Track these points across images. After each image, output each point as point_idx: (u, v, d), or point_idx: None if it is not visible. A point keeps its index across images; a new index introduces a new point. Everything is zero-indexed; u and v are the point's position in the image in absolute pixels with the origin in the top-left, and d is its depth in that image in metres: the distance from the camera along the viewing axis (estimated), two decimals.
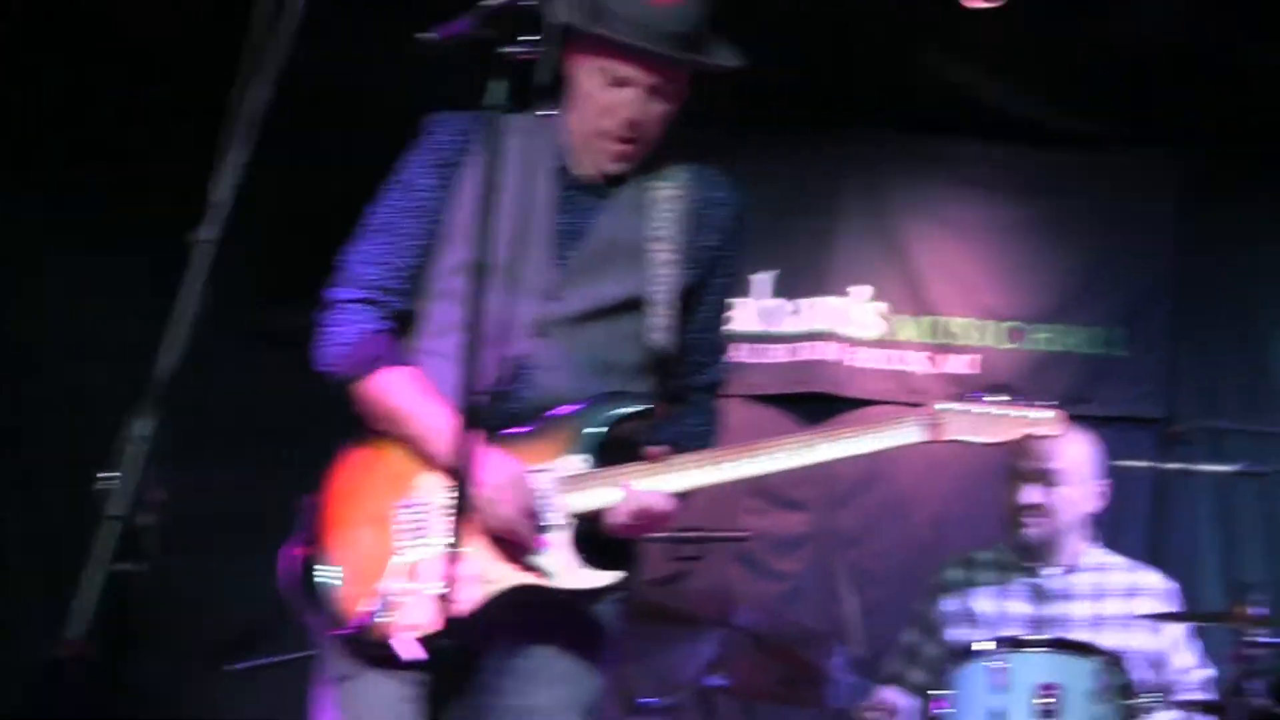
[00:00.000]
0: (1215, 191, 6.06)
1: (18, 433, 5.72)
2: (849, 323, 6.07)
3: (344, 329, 3.00)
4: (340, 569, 2.88)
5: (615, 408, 2.94)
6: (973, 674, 4.24)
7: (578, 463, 2.91)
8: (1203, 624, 4.74)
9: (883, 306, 6.09)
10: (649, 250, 3.02)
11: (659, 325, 3.01)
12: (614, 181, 3.06)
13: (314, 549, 2.91)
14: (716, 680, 4.48)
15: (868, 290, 6.10)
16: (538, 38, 2.44)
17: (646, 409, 2.97)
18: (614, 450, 2.93)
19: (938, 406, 3.03)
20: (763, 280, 6.13)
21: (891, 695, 4.78)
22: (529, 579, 2.85)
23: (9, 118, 5.76)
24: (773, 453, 3.02)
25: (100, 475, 1.92)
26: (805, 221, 6.18)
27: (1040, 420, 3.05)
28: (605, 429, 2.93)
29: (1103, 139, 6.08)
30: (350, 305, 3.02)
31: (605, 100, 2.94)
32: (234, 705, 5.42)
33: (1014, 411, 3.04)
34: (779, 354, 6.07)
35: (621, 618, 3.06)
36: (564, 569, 2.86)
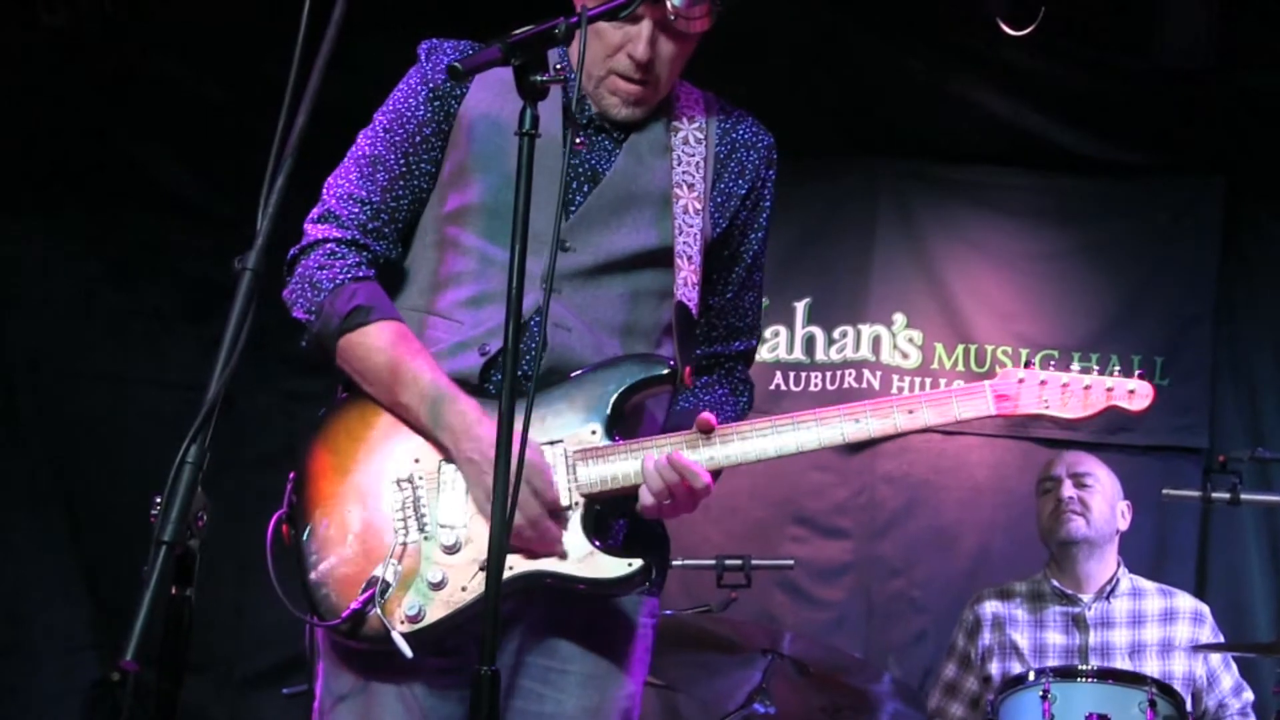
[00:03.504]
0: (1257, 220, 6.04)
1: (64, 460, 5.76)
2: (886, 351, 6.06)
3: (323, 272, 2.66)
4: (330, 552, 2.57)
5: (632, 372, 2.62)
6: (1021, 705, 4.22)
7: (589, 434, 2.60)
8: (1250, 655, 4.73)
9: (920, 335, 6.07)
10: (671, 198, 2.72)
11: (684, 281, 2.70)
12: (631, 125, 2.74)
13: (300, 529, 2.59)
14: (762, 707, 4.45)
15: (905, 318, 6.09)
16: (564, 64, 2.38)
17: (668, 374, 2.63)
18: (630, 420, 2.64)
19: (1015, 373, 2.68)
20: (800, 308, 6.13)
21: None
22: (538, 566, 2.53)
23: (48, 152, 5.82)
24: (827, 423, 2.61)
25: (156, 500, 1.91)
26: (842, 250, 6.17)
27: (1128, 390, 2.69)
28: (620, 396, 2.60)
29: (1143, 167, 6.06)
30: (330, 246, 2.68)
31: (613, 38, 2.65)
32: None
33: (1098, 383, 2.68)
34: (817, 381, 6.06)
35: (652, 615, 2.76)
36: (577, 556, 2.54)
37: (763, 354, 6.11)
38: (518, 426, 2.23)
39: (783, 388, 6.07)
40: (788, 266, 6.16)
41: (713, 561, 4.87)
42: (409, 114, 2.75)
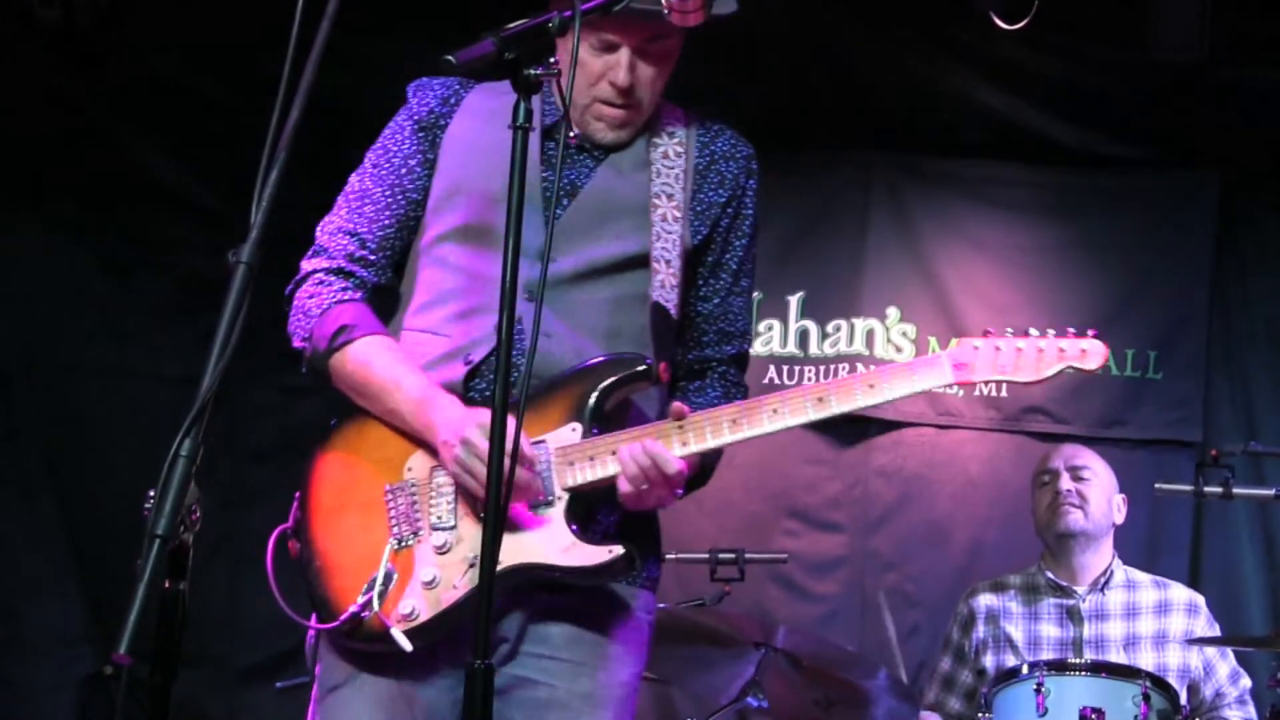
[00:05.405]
0: (1251, 214, 6.05)
1: (58, 454, 5.76)
2: (880, 344, 6.06)
3: (312, 300, 2.82)
4: (331, 559, 2.70)
5: (610, 372, 2.72)
6: (1015, 698, 4.22)
7: (569, 432, 2.69)
8: (1245, 648, 4.74)
9: (913, 328, 6.08)
10: (650, 207, 2.84)
11: (664, 283, 2.81)
12: (617, 145, 2.87)
13: (301, 540, 2.73)
14: (755, 701, 4.46)
15: (898, 312, 6.09)
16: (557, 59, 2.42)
17: (644, 370, 2.72)
18: (613, 417, 2.73)
19: (971, 342, 2.75)
20: (793, 302, 6.13)
21: None
22: (523, 559, 2.62)
23: (41, 146, 5.82)
24: (793, 406, 2.68)
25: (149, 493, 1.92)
26: (835, 244, 6.18)
27: (1080, 350, 2.73)
28: (599, 396, 2.70)
29: (1138, 162, 6.07)
30: (318, 276, 2.84)
31: (595, 67, 2.80)
32: None
33: (1051, 344, 2.73)
34: (811, 375, 6.06)
35: (648, 610, 2.85)
36: (561, 547, 2.64)
37: (756, 348, 6.11)
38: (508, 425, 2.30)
39: (776, 381, 6.07)
40: (781, 260, 6.17)
41: (706, 555, 4.89)
42: (395, 148, 2.91)
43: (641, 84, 2.82)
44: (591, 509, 2.73)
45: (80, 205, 5.92)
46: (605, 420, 2.72)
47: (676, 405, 2.70)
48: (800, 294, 6.14)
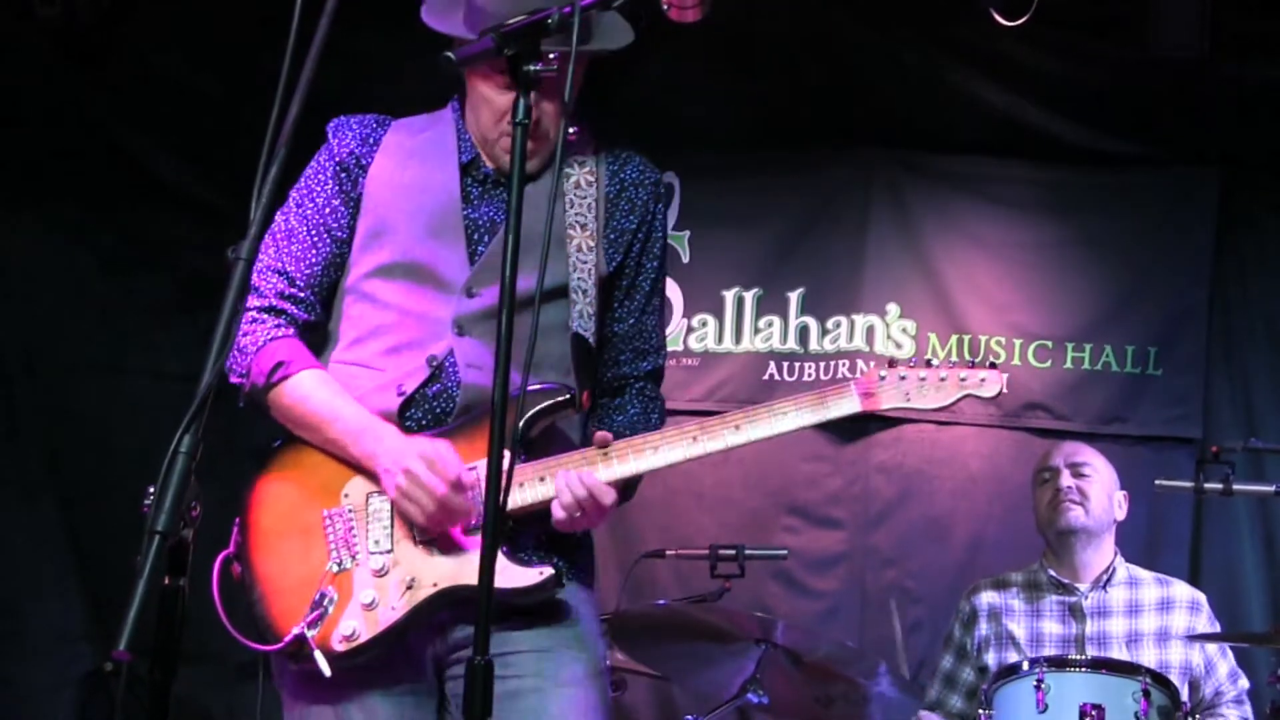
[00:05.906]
0: (1251, 213, 6.04)
1: (58, 451, 5.75)
2: (880, 341, 6.06)
3: (247, 337, 2.91)
4: (272, 584, 2.81)
5: (535, 401, 2.84)
6: (1014, 695, 4.22)
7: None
8: (1245, 645, 4.74)
9: (913, 325, 6.08)
10: (566, 238, 2.97)
11: (582, 313, 2.94)
12: (526, 178, 2.92)
13: (243, 564, 2.84)
14: (755, 697, 4.46)
15: (898, 308, 6.09)
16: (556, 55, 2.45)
17: (568, 399, 2.86)
18: (540, 444, 2.87)
19: (879, 371, 2.98)
20: (794, 299, 6.13)
21: None
22: (458, 581, 2.77)
23: (41, 143, 5.82)
24: (711, 433, 2.89)
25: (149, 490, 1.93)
26: (836, 240, 6.18)
27: (979, 379, 2.99)
28: (526, 424, 2.82)
29: (1138, 159, 6.06)
30: (251, 314, 2.93)
31: (501, 103, 2.90)
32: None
33: (951, 374, 2.98)
34: (811, 371, 6.07)
35: (592, 603, 2.98)
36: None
37: (756, 344, 6.12)
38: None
39: (776, 378, 6.08)
40: (782, 257, 6.17)
41: (706, 551, 4.90)
42: (318, 189, 3.01)
43: (547, 116, 2.91)
44: (519, 529, 2.85)
45: (80, 205, 5.93)
46: (531, 447, 2.85)
47: (600, 434, 2.86)
48: (800, 290, 6.14)
